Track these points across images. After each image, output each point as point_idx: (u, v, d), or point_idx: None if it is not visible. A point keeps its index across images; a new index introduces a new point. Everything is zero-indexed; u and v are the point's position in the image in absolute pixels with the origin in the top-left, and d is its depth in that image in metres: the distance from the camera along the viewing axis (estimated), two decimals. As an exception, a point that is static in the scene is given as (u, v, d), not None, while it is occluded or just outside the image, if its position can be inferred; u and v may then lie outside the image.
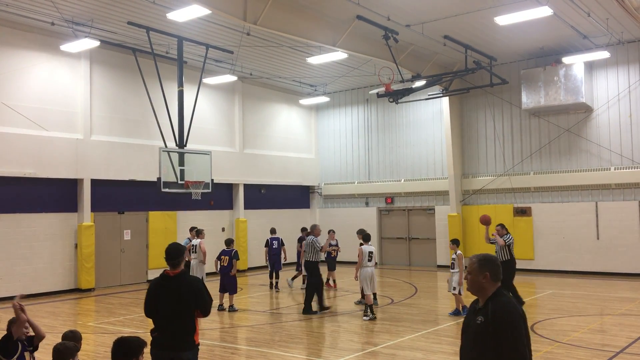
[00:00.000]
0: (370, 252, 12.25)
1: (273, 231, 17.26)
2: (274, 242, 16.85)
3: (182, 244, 14.73)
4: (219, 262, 13.41)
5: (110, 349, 4.32)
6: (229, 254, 13.30)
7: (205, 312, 5.45)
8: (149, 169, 17.59)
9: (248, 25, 14.18)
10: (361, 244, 12.33)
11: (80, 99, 17.07)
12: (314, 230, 13.32)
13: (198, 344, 5.47)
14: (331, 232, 16.69)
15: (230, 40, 17.14)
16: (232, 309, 13.13)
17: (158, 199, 18.60)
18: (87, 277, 16.68)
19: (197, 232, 14.57)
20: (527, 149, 20.10)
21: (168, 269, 5.55)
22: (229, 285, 13.20)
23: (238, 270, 20.69)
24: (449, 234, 20.78)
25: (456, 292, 12.14)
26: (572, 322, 11.19)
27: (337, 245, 16.61)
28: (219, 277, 13.54)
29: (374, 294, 12.64)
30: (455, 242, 12.66)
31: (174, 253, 5.49)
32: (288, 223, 22.55)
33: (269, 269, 16.85)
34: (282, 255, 16.74)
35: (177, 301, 5.32)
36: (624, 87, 18.35)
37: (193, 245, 14.39)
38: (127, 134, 18.19)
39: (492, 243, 12.95)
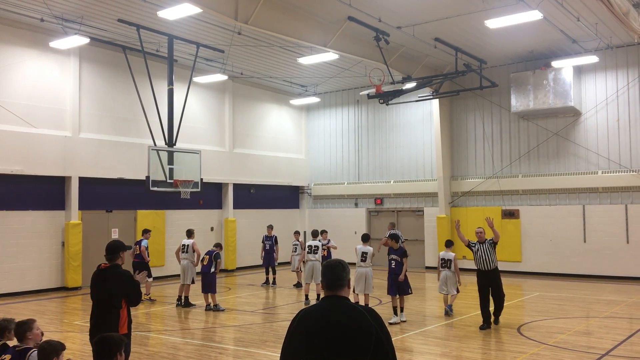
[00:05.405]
0: (364, 253, 12.09)
1: (269, 229, 18.23)
2: (267, 240, 17.92)
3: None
4: (201, 261, 13.63)
5: (92, 348, 4.29)
6: (210, 254, 13.43)
7: (132, 302, 6.09)
8: (138, 168, 17.48)
9: (239, 24, 14.15)
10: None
11: (69, 96, 16.95)
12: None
13: (125, 333, 5.93)
14: (324, 233, 16.40)
15: (221, 39, 17.10)
16: (216, 308, 13.11)
17: (147, 198, 18.50)
18: (74, 275, 16.56)
19: (187, 233, 14.47)
20: (516, 151, 20.22)
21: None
22: (207, 285, 13.23)
23: (226, 270, 20.96)
24: (437, 236, 20.86)
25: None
26: (558, 324, 11.25)
27: (328, 244, 16.11)
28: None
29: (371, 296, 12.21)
30: (446, 244, 13.20)
31: (110, 249, 6.20)
32: (277, 223, 22.40)
33: (264, 266, 17.93)
34: (275, 255, 17.70)
35: (104, 290, 6.04)
36: (612, 91, 18.51)
37: (184, 245, 14.18)
38: (116, 132, 18.09)
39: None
